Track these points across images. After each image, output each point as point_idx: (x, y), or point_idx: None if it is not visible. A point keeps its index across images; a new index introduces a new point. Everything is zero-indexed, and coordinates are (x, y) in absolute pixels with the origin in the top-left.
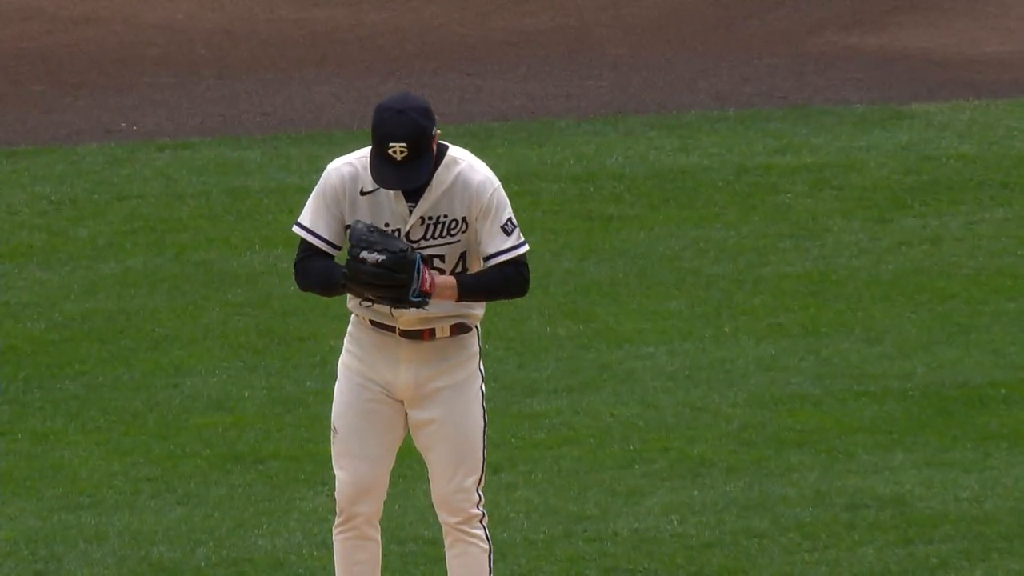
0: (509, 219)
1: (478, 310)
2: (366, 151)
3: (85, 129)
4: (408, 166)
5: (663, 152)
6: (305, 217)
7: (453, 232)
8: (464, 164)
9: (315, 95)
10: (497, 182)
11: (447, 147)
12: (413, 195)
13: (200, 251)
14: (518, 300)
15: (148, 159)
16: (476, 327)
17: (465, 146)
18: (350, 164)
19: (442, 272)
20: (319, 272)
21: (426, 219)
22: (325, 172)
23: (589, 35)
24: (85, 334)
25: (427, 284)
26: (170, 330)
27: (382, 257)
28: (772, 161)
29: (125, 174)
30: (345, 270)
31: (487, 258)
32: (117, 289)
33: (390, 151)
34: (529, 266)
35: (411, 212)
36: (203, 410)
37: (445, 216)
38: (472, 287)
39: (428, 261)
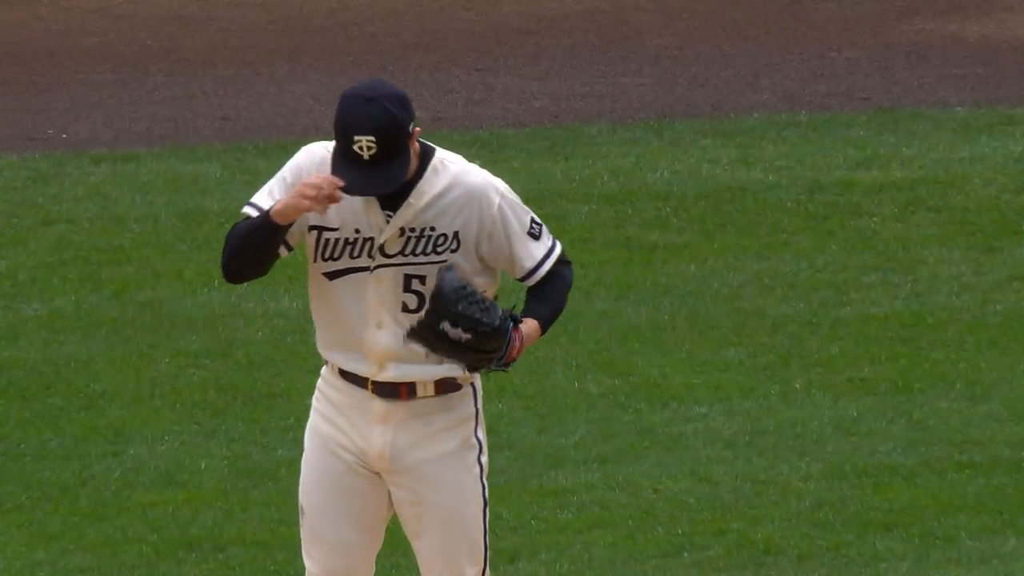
0: (532, 220)
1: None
2: None
3: (2, 137)
4: (379, 167)
5: (718, 166)
6: (259, 196)
7: (439, 249)
8: (457, 168)
9: (288, 95)
10: (503, 184)
11: (433, 149)
12: (391, 202)
13: (146, 288)
14: (537, 348)
15: (81, 174)
16: (473, 386)
17: (473, 158)
18: (323, 146)
19: (419, 294)
20: (245, 229)
21: (407, 231)
22: (299, 152)
23: (626, 21)
24: (2, 389)
25: (516, 350)
26: (108, 385)
27: (467, 336)
28: (853, 176)
29: (52, 193)
30: (413, 328)
31: (529, 273)
32: (43, 335)
33: (356, 147)
34: (564, 252)
35: (387, 220)
36: (149, 485)
37: (431, 230)
38: (550, 319)
39: (506, 320)
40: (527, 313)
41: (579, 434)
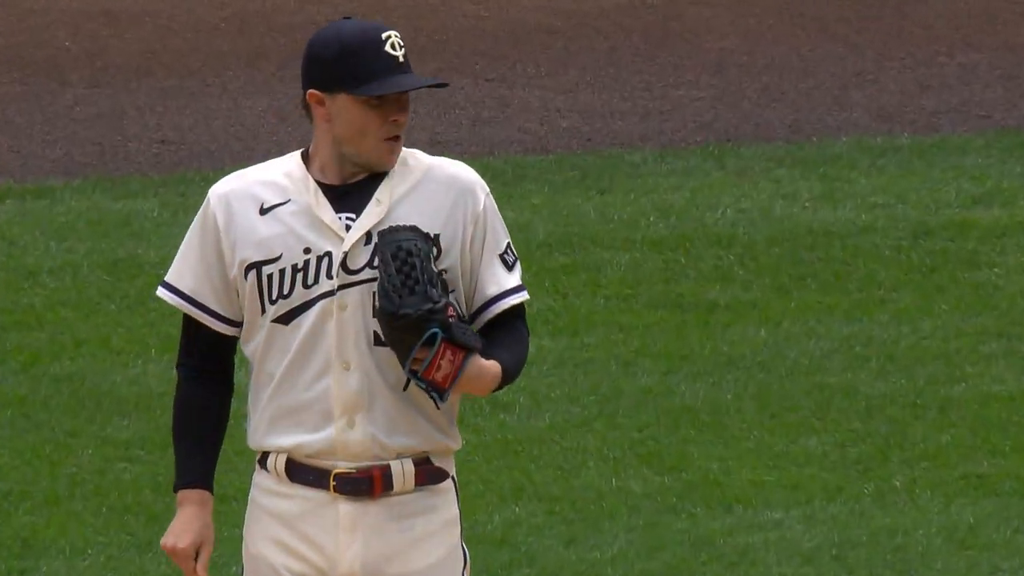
0: (508, 246)
1: (453, 436)
2: (275, 159)
3: None
4: (409, 61)
5: (796, 203)
6: (170, 274)
7: None
8: (431, 160)
9: (246, 112)
10: (484, 183)
11: None
12: (350, 202)
13: (63, 360)
14: (564, 437)
15: None
16: (453, 480)
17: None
18: (237, 178)
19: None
20: (180, 427)
21: (374, 235)
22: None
23: (679, 17)
24: None
25: (435, 372)
26: (15, 484)
27: (377, 301)
28: (969, 216)
29: None
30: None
31: (489, 303)
32: None
33: (388, 46)
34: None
35: (347, 227)
36: None
37: None
38: (510, 369)
39: (457, 339)
40: (485, 354)
41: (618, 546)
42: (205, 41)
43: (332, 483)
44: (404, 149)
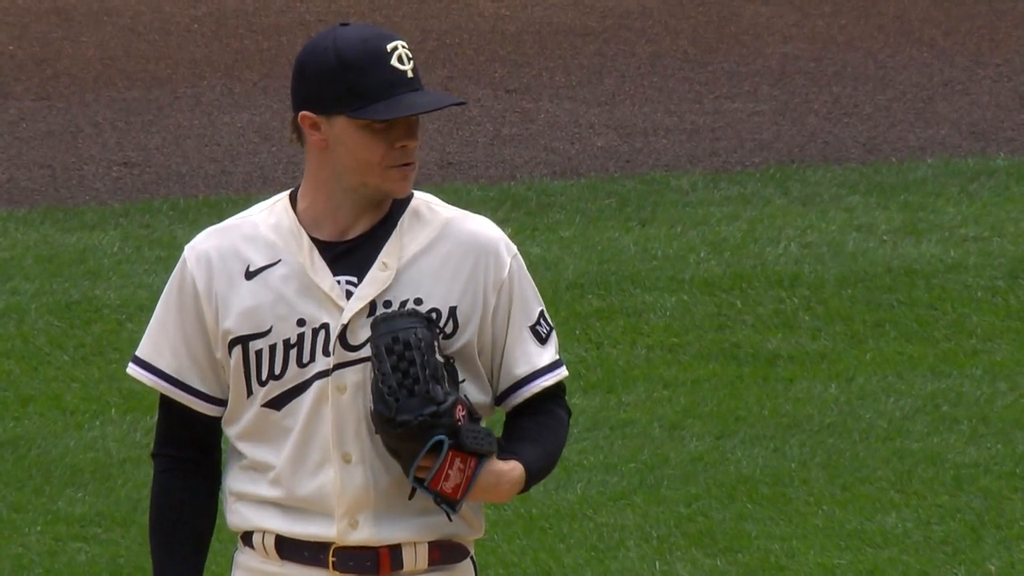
0: (543, 314)
1: (476, 526)
2: (261, 205)
3: None
4: (419, 75)
5: (873, 236)
6: (142, 347)
7: None
8: (450, 213)
9: (223, 128)
10: (511, 243)
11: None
12: (347, 262)
13: (6, 421)
14: (598, 512)
15: None
16: (472, 560)
17: (501, 223)
18: (218, 233)
19: None
20: (158, 529)
21: (379, 305)
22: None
23: (735, 16)
24: None
25: (443, 482)
26: None
27: (370, 405)
28: None
29: None
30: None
31: (518, 385)
32: None
33: (395, 60)
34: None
35: (348, 293)
36: None
37: (418, 302)
38: (540, 467)
39: (467, 445)
40: (508, 449)
41: None
42: (175, 45)
43: (331, 560)
44: (419, 196)
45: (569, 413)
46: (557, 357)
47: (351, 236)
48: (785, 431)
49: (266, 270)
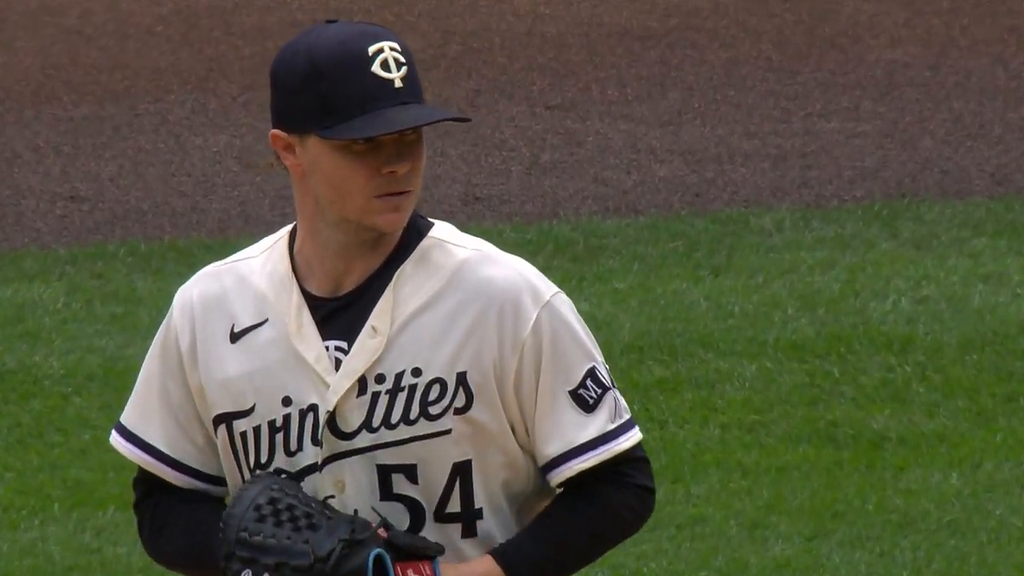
0: (592, 372)
1: None
2: (266, 242)
3: None
4: (416, 98)
5: (1004, 288)
6: (128, 413)
7: (433, 411)
8: (466, 254)
9: (194, 154)
10: (549, 286)
11: (426, 222)
12: (339, 322)
13: None
14: None
15: None
16: None
17: (543, 269)
18: (211, 277)
19: (411, 504)
20: (186, 543)
21: (370, 381)
22: (174, 303)
23: (829, 16)
24: None
25: None
26: None
27: (322, 548)
28: None
29: None
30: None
31: (549, 466)
32: None
33: (378, 64)
34: (648, 463)
35: (338, 364)
36: None
37: (417, 373)
38: (540, 562)
39: (405, 546)
40: (504, 545)
41: None
42: (134, 51)
43: None
44: (434, 233)
45: (640, 489)
46: (612, 426)
47: (346, 288)
48: (895, 531)
49: (251, 332)
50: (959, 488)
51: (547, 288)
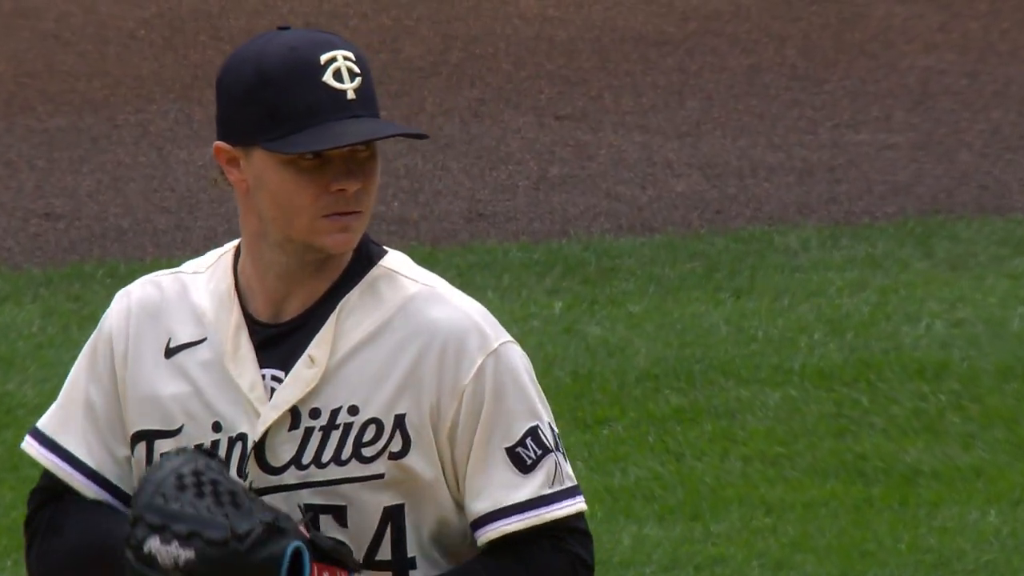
0: (533, 432)
1: None
2: (214, 253)
3: None
4: (369, 110)
5: None
6: (47, 418)
7: (366, 452)
8: (416, 288)
9: (178, 168)
10: (498, 331)
11: (378, 249)
12: (278, 349)
13: None
14: None
15: None
16: None
17: (549, 294)
18: (155, 284)
19: (339, 548)
20: (81, 541)
21: (304, 415)
22: (112, 305)
23: (860, 20)
24: None
25: None
26: None
27: (188, 554)
28: None
29: None
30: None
31: (478, 522)
32: None
33: (330, 73)
34: (591, 539)
35: (271, 392)
36: None
37: (353, 411)
38: None
39: (324, 547)
40: None
41: None
42: (115, 58)
43: None
44: (386, 262)
45: (581, 563)
46: (549, 491)
47: (288, 315)
48: (929, 572)
49: (187, 349)
50: (997, 526)
51: (497, 335)
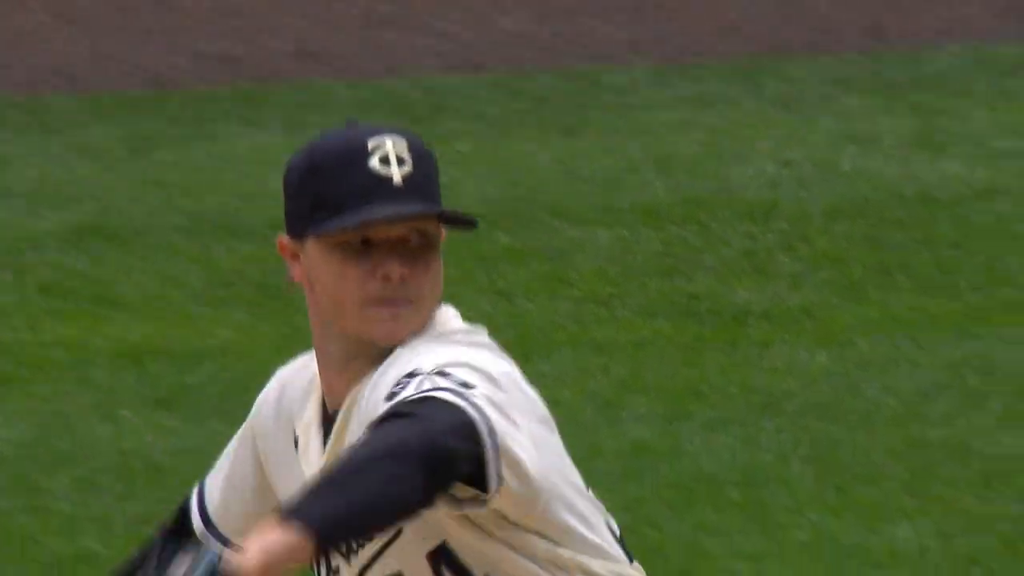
0: (409, 374)
1: None
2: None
3: None
4: (418, 185)
5: (877, 150)
6: (210, 475)
7: None
8: (428, 342)
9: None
10: (462, 358)
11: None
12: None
13: None
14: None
15: None
16: None
17: (283, 132)
18: (303, 368)
19: None
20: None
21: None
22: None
23: None
24: None
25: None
26: None
27: None
28: None
29: None
30: None
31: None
32: None
33: (377, 159)
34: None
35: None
36: None
37: None
38: (327, 497)
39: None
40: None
41: None
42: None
43: None
44: (441, 318)
45: (417, 418)
46: (417, 392)
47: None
48: (759, 413)
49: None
50: (827, 367)
51: (444, 357)
